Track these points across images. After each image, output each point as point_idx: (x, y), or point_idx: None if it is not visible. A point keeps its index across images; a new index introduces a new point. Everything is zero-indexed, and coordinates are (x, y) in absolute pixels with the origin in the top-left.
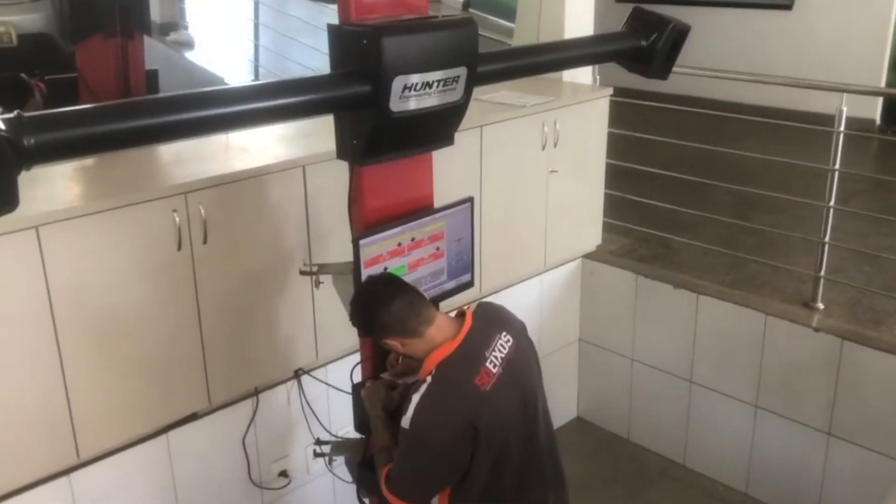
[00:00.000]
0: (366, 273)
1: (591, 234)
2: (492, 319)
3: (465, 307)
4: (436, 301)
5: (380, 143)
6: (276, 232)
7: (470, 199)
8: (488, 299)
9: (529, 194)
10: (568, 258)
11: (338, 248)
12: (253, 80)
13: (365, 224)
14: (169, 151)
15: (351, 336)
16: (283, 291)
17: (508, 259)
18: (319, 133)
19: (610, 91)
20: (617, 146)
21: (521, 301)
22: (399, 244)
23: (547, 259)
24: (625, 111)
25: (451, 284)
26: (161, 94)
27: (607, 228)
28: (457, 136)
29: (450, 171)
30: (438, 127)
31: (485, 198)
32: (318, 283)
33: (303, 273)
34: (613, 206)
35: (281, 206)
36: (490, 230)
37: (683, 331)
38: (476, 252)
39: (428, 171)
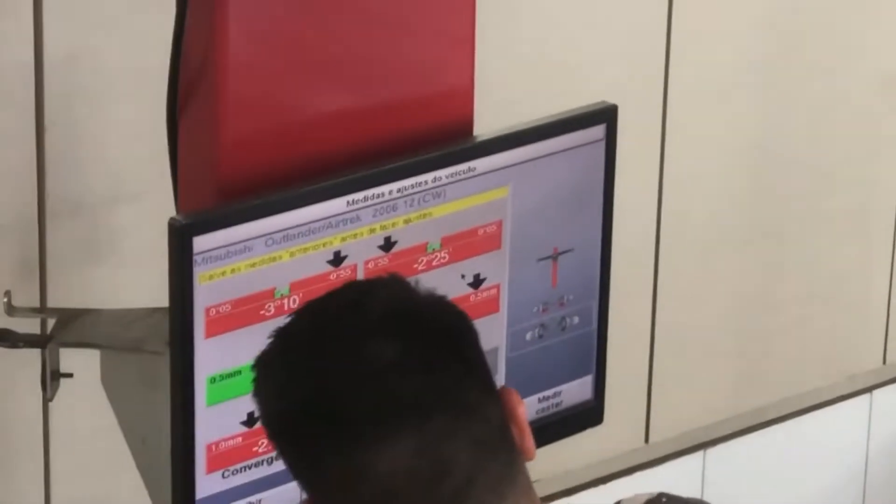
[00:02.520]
0: (205, 350)
1: None
2: None
3: None
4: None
5: None
6: None
7: (609, 114)
8: (667, 488)
9: (836, 109)
10: None
11: (132, 261)
12: None
13: (220, 176)
14: None
15: None
16: None
17: (754, 337)
18: None
19: None
20: None
21: (791, 466)
22: (337, 257)
23: (892, 345)
24: None
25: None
26: None
27: None
28: None
29: (542, 13)
30: None
31: (674, 121)
32: (54, 381)
33: (3, 342)
34: None
35: None
36: (684, 236)
37: None
38: (626, 297)
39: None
